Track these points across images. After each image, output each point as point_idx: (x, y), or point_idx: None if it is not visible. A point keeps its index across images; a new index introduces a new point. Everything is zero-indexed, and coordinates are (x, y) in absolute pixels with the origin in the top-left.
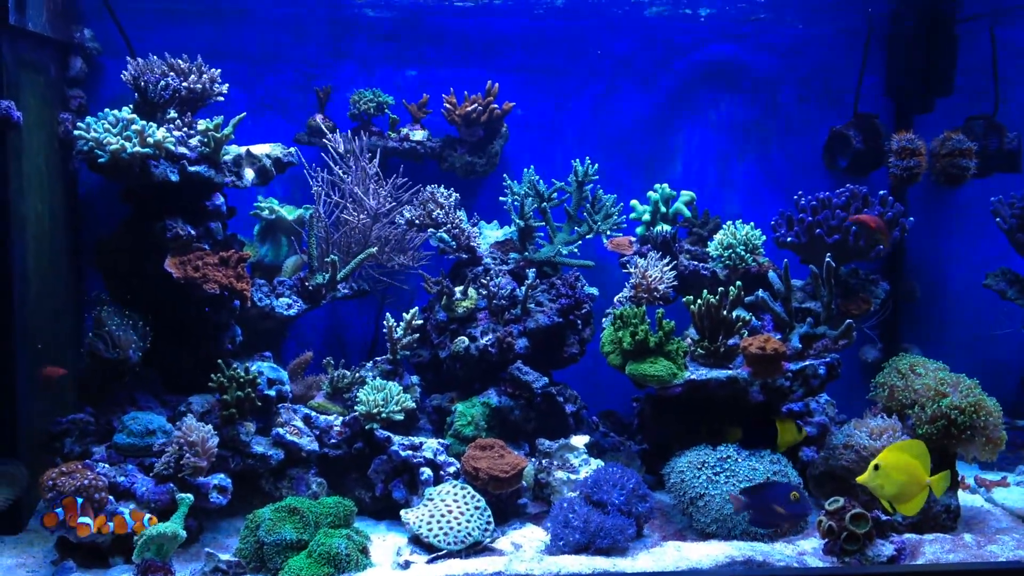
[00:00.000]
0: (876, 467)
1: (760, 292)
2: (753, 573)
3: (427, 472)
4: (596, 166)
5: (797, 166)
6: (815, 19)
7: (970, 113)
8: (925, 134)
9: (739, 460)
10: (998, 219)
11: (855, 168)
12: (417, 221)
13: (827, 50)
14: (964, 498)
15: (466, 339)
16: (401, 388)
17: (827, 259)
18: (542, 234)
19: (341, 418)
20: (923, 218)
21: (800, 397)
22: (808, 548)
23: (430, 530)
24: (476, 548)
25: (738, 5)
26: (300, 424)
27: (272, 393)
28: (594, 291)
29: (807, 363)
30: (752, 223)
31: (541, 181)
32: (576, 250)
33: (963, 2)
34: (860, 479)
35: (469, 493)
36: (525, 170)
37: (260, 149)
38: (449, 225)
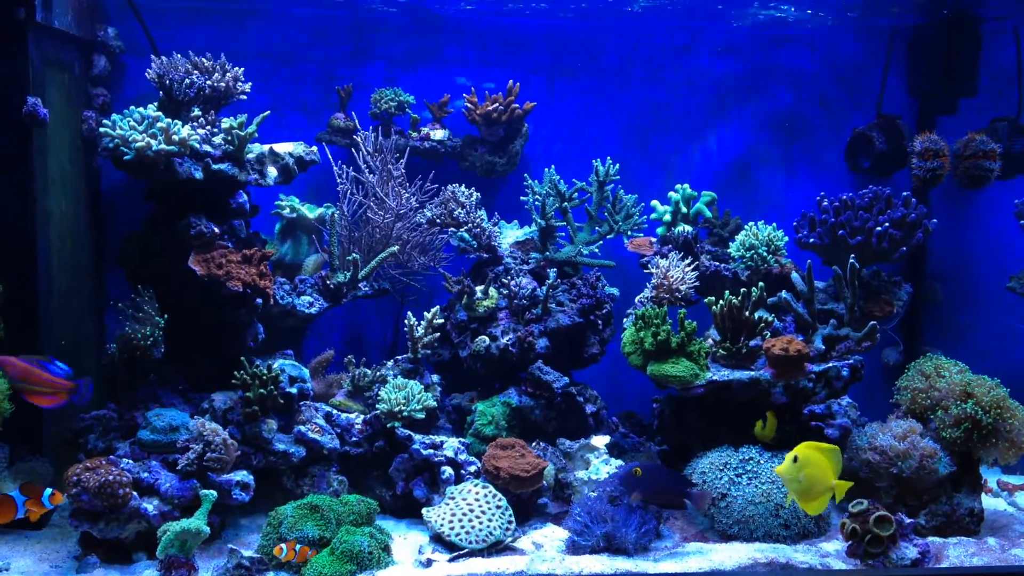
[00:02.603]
0: (795, 459)
1: (783, 293)
2: (776, 575)
3: (448, 471)
4: (617, 166)
5: (820, 167)
6: (839, 19)
7: (994, 115)
8: (948, 136)
9: (761, 461)
10: (1022, 221)
11: (878, 169)
12: (438, 220)
13: (850, 51)
14: (987, 502)
15: (487, 338)
16: (422, 387)
17: (851, 260)
18: (563, 234)
19: (362, 416)
20: (946, 220)
21: (823, 399)
22: (831, 550)
23: (452, 529)
24: (498, 547)
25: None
26: (322, 422)
27: (294, 391)
28: (615, 291)
29: (830, 365)
30: (774, 224)
31: (562, 181)
32: (597, 250)
33: (987, 3)
34: (777, 469)
35: (490, 492)
36: (546, 170)
37: (283, 148)
38: (470, 224)
